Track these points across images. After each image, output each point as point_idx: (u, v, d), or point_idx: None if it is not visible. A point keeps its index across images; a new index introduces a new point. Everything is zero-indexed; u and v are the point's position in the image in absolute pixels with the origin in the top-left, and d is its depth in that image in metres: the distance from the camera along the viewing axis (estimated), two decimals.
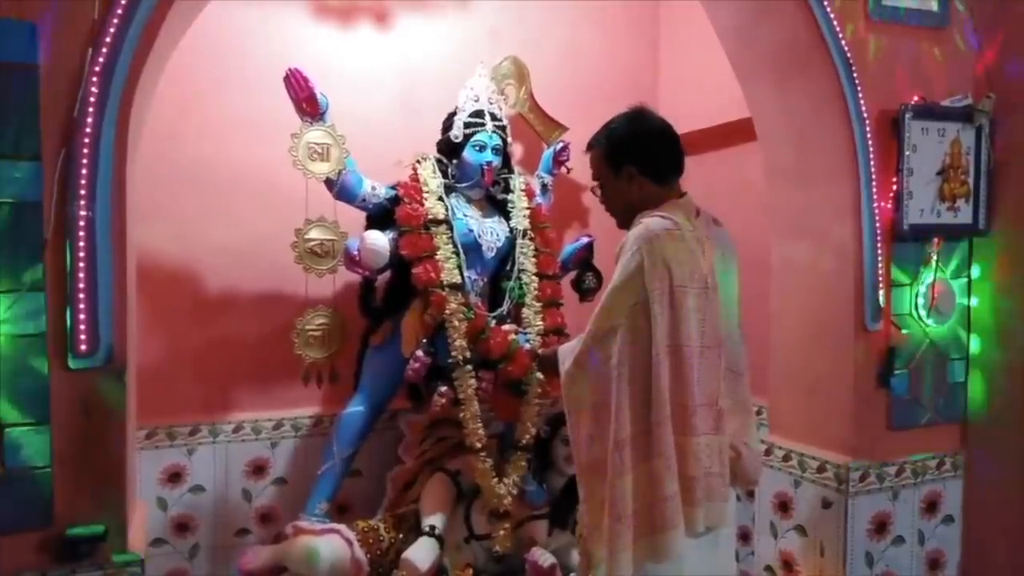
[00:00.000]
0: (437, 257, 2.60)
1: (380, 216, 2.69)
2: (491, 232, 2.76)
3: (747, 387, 1.92)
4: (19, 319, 1.71)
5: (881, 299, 2.41)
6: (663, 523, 1.68)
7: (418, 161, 2.77)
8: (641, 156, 1.86)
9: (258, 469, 2.91)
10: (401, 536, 2.61)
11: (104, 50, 1.74)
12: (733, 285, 1.90)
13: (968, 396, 2.59)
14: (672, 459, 1.70)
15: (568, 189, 3.29)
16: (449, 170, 2.78)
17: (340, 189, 2.57)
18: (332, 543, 2.46)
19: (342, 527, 2.52)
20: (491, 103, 2.81)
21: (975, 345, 2.59)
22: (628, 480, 1.68)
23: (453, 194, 2.76)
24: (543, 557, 2.50)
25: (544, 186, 3.03)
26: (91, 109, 1.73)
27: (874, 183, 2.39)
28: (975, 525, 2.58)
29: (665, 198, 1.84)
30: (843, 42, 2.35)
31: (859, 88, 2.36)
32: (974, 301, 2.58)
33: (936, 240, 2.51)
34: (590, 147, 1.93)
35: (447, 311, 2.56)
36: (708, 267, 1.79)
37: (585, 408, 1.76)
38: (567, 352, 1.84)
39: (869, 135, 2.38)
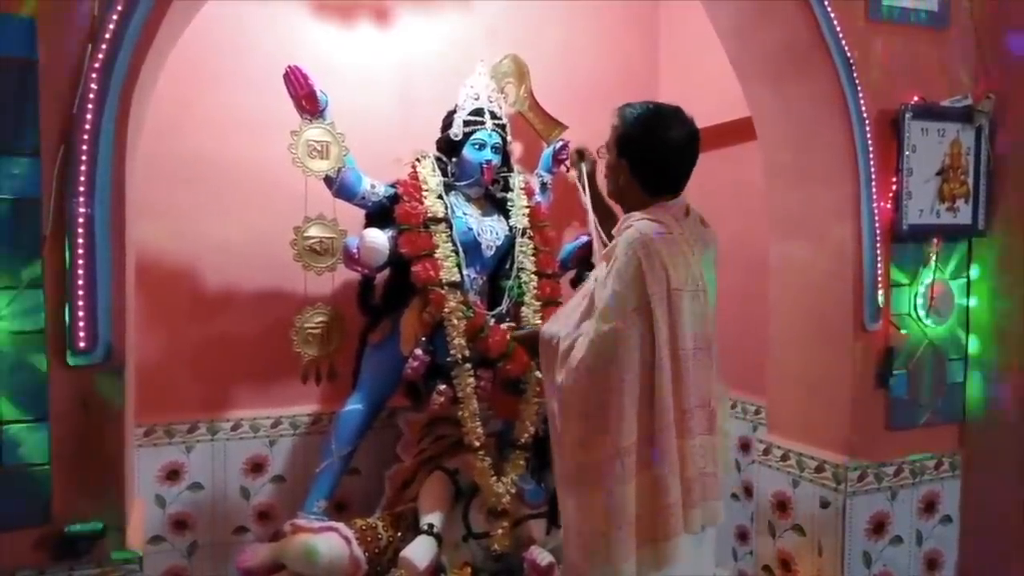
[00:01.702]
0: (436, 255, 2.60)
1: (379, 214, 2.69)
2: (490, 230, 2.76)
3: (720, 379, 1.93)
4: (17, 316, 1.71)
5: (880, 299, 2.41)
6: (667, 531, 1.69)
7: (417, 159, 2.77)
8: (637, 161, 1.84)
9: (256, 467, 2.91)
10: (399, 534, 2.61)
11: (104, 46, 1.74)
12: (714, 285, 1.90)
13: (966, 396, 2.59)
14: (676, 465, 1.71)
15: (567, 188, 3.28)
16: (448, 168, 2.78)
17: (339, 187, 2.57)
18: (330, 541, 2.45)
19: (340, 525, 2.52)
20: (491, 101, 2.81)
21: (974, 345, 2.59)
22: (630, 488, 1.68)
23: (452, 192, 2.76)
24: (541, 556, 2.50)
25: (543, 185, 3.03)
26: (90, 105, 1.73)
27: (873, 183, 2.39)
28: (973, 525, 2.58)
29: (651, 202, 1.83)
30: (843, 42, 2.35)
31: (859, 88, 2.36)
32: (973, 301, 2.59)
33: (935, 240, 2.52)
34: (618, 112, 1.88)
35: (446, 309, 2.56)
36: (698, 268, 1.80)
37: (575, 412, 1.75)
38: (555, 352, 1.80)
39: (869, 135, 2.38)
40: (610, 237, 2.02)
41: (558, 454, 1.82)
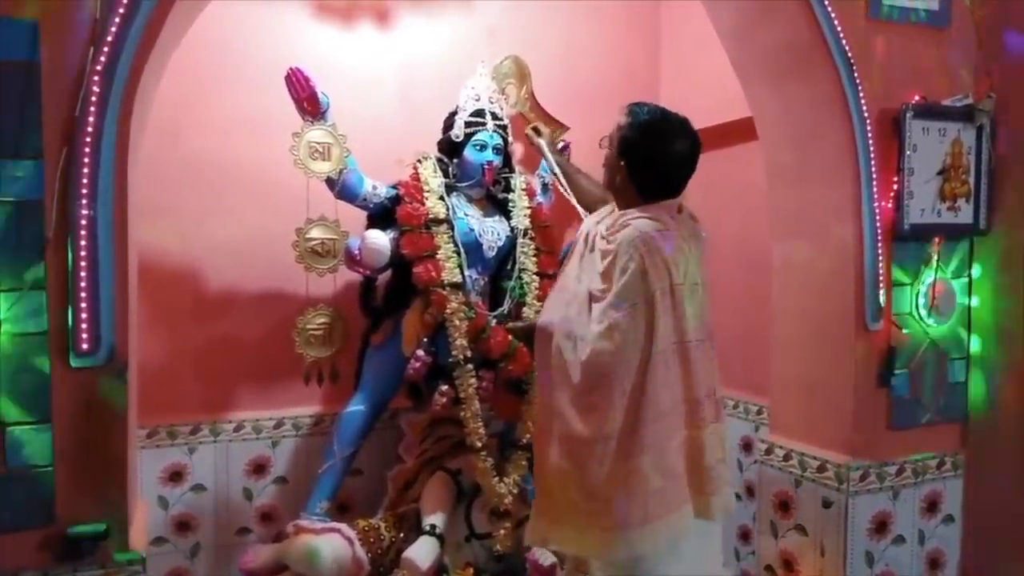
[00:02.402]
0: (438, 256, 2.60)
1: (381, 215, 2.69)
2: (492, 231, 2.76)
3: None
4: (21, 318, 1.71)
5: (882, 299, 2.41)
6: (644, 515, 1.74)
7: (419, 160, 2.77)
8: (636, 166, 1.89)
9: (259, 468, 2.91)
10: (402, 535, 2.61)
11: (106, 48, 1.74)
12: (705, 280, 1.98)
13: (968, 396, 2.59)
14: (660, 456, 1.76)
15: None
16: (450, 169, 2.78)
17: (341, 188, 2.57)
18: (333, 542, 2.46)
19: (343, 526, 2.53)
20: (492, 102, 2.81)
21: (975, 345, 2.59)
22: (605, 470, 1.74)
23: (454, 193, 2.76)
24: (543, 556, 2.50)
25: (545, 185, 3.03)
26: (93, 108, 1.73)
27: (875, 183, 2.39)
28: (975, 525, 2.58)
29: (644, 203, 1.89)
30: (844, 42, 2.35)
31: (860, 88, 2.37)
32: (975, 301, 2.58)
33: (937, 240, 2.52)
34: (626, 110, 1.93)
35: (448, 310, 2.56)
36: (695, 263, 1.87)
37: (570, 395, 1.80)
38: (550, 338, 1.86)
39: (870, 135, 2.38)
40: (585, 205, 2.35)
41: (544, 428, 1.88)
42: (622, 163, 1.89)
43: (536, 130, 2.71)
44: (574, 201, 2.46)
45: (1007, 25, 2.52)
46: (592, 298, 1.81)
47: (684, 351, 1.80)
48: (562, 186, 2.62)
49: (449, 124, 2.80)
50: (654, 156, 1.87)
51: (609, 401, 1.74)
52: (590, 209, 2.32)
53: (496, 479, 2.60)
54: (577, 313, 1.83)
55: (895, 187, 2.44)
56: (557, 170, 2.63)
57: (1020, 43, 2.50)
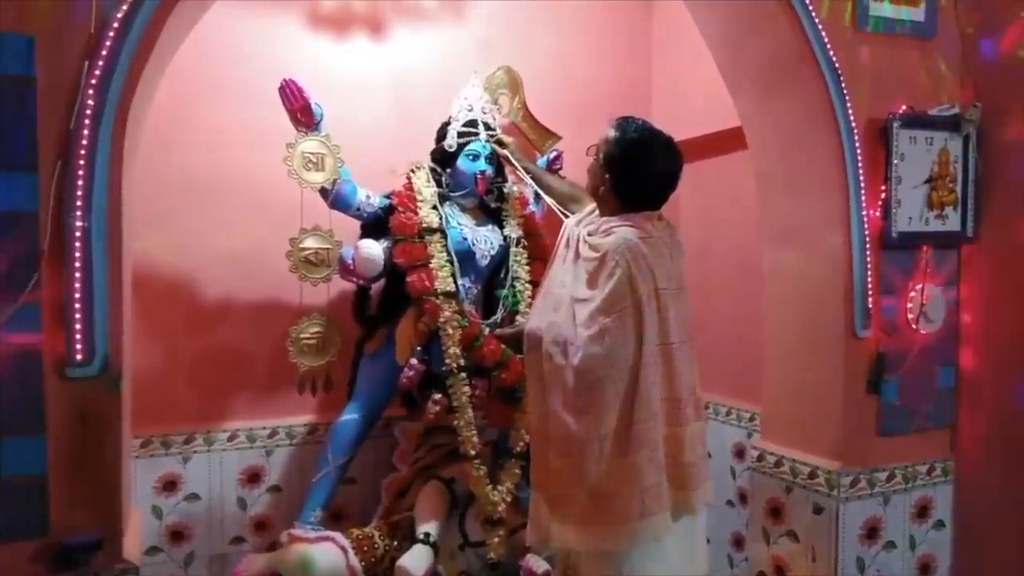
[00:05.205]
0: (431, 265, 2.61)
1: (375, 225, 2.71)
2: (485, 240, 2.78)
3: None
4: (15, 329, 1.72)
5: (871, 306, 2.43)
6: (642, 510, 1.80)
7: (412, 170, 2.79)
8: (618, 180, 1.95)
9: (253, 477, 2.92)
10: (396, 543, 2.61)
11: (100, 63, 1.76)
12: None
13: (957, 402, 2.61)
14: (655, 452, 1.82)
15: None
16: (443, 179, 2.80)
17: (335, 198, 2.58)
18: (327, 551, 2.46)
19: (337, 535, 2.53)
20: (484, 113, 2.83)
21: (964, 352, 2.61)
22: (603, 467, 1.80)
23: (447, 203, 2.78)
24: (537, 564, 2.51)
25: (537, 194, 3.05)
26: (87, 121, 1.75)
27: (863, 191, 2.42)
28: (965, 530, 2.60)
29: (626, 212, 1.95)
30: (831, 52, 2.38)
31: (847, 98, 2.39)
32: (962, 307, 2.61)
33: (925, 248, 2.54)
34: (615, 124, 1.99)
35: (441, 319, 2.58)
36: (677, 269, 1.94)
37: (565, 398, 1.84)
38: (540, 343, 1.90)
39: (858, 144, 2.41)
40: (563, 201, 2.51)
41: (539, 431, 1.93)
42: (606, 176, 1.95)
43: (499, 142, 2.79)
44: (552, 202, 2.57)
45: (991, 34, 2.55)
46: (577, 303, 1.86)
47: (668, 353, 1.87)
48: (535, 190, 2.74)
49: (442, 134, 2.82)
50: (637, 173, 1.94)
51: (603, 403, 1.80)
52: (564, 206, 2.48)
53: (490, 487, 2.60)
54: (564, 318, 1.87)
55: (883, 196, 2.46)
56: (527, 177, 2.75)
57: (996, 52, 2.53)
